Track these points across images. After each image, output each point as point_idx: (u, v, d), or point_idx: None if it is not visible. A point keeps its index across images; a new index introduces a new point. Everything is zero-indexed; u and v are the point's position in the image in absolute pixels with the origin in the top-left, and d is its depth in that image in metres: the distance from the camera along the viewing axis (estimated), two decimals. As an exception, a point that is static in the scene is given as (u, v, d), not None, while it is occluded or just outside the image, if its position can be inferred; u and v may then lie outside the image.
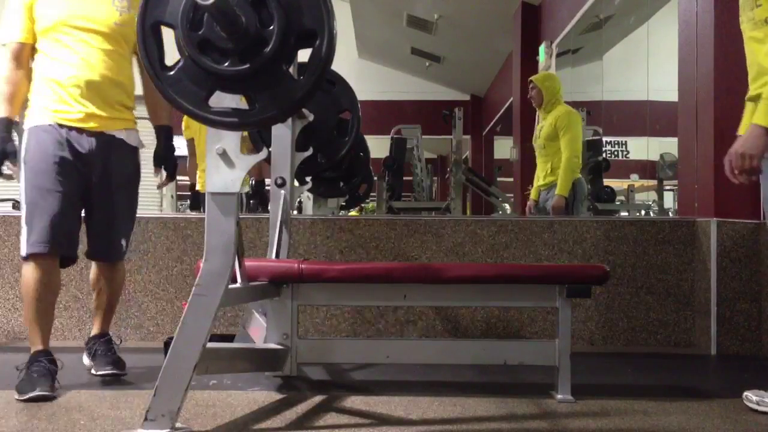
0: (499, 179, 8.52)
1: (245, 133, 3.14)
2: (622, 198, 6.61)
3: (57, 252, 2.38)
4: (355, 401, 2.28)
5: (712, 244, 3.23)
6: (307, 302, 2.55)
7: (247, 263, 2.27)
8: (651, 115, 6.35)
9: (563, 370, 2.30)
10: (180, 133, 4.57)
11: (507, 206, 7.43)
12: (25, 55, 2.46)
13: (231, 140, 1.86)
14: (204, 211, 1.95)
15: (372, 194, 6.60)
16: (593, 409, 2.20)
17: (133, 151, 2.58)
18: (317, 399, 2.29)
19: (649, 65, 6.06)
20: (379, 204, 7.07)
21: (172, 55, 1.76)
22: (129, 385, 2.45)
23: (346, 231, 3.44)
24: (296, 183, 2.96)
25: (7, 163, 2.40)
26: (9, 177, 2.46)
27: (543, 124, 4.42)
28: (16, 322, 3.38)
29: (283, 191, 2.82)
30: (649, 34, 6.03)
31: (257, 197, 4.71)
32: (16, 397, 2.21)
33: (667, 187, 6.31)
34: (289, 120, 2.76)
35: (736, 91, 2.37)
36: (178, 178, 3.01)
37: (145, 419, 1.78)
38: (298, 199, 6.13)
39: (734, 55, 2.67)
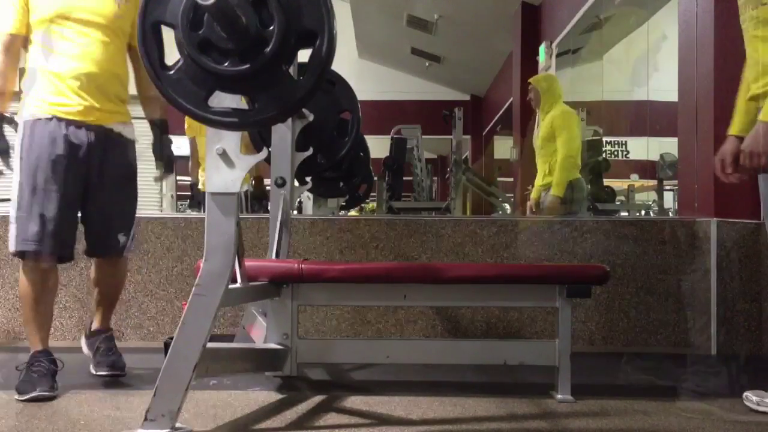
0: (499, 179, 8.51)
1: (245, 133, 3.14)
2: (622, 198, 6.59)
3: (48, 251, 2.33)
4: (355, 401, 2.28)
5: (712, 244, 3.23)
6: (307, 302, 2.55)
7: (247, 263, 2.26)
8: (651, 115, 6.34)
9: (563, 370, 2.30)
10: (179, 132, 4.56)
11: (507, 206, 7.42)
12: (16, 47, 2.41)
13: (231, 140, 1.85)
14: (204, 211, 1.95)
15: (372, 194, 6.58)
16: (593, 409, 2.20)
17: (129, 145, 2.54)
18: (317, 399, 2.29)
19: (648, 65, 6.06)
20: (379, 204, 7.05)
21: (172, 55, 1.76)
22: (129, 385, 2.45)
23: (346, 231, 3.44)
24: (296, 183, 2.96)
25: None
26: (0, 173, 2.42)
27: (541, 125, 4.43)
28: (16, 322, 3.38)
29: (283, 191, 2.82)
30: (649, 33, 6.03)
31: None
32: (16, 397, 2.21)
33: (667, 187, 6.29)
34: (289, 120, 2.75)
35: (736, 91, 2.37)
36: (178, 177, 3.01)
37: (145, 419, 1.78)
38: (298, 199, 6.12)
39: (734, 55, 2.67)
